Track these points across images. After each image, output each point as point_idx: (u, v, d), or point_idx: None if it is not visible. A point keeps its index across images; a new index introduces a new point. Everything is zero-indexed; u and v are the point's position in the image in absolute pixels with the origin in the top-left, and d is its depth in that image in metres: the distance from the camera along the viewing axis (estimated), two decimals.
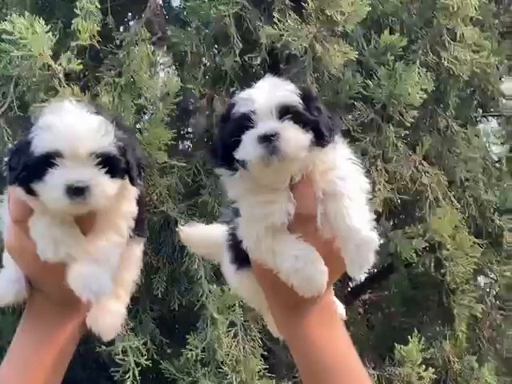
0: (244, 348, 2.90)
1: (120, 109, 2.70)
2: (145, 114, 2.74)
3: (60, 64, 2.58)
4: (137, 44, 2.92)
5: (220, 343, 2.84)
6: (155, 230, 2.99)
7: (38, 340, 1.48)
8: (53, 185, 1.30)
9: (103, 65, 3.00)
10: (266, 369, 2.96)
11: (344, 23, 2.70)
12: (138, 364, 2.78)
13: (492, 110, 3.97)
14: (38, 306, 1.49)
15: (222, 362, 2.87)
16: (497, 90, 3.63)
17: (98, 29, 2.75)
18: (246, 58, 3.19)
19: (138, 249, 1.58)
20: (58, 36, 2.78)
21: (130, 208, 1.45)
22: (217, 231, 1.67)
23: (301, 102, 1.37)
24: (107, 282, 1.38)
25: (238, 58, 3.05)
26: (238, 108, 1.38)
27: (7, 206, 1.46)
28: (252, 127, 1.35)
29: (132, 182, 1.39)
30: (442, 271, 3.34)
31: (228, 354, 2.86)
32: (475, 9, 3.20)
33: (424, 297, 3.77)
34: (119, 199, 1.40)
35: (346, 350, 1.49)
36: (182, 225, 1.81)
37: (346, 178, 1.40)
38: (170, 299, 2.98)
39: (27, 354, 1.48)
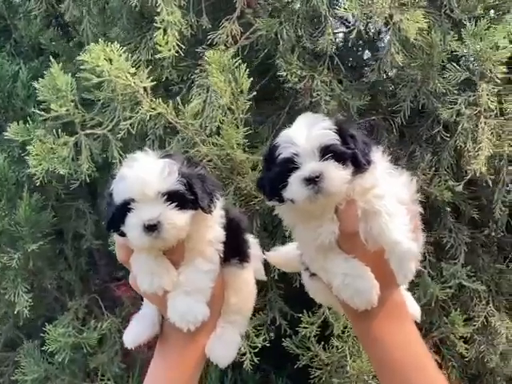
0: None
1: (208, 111, 2.85)
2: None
3: (141, 81, 2.76)
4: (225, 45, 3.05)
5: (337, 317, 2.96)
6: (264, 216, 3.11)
7: (166, 364, 1.64)
8: (132, 226, 1.49)
9: (198, 67, 3.13)
10: None
11: None
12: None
13: None
14: (165, 332, 1.66)
15: (338, 336, 3.00)
16: None
17: (176, 41, 2.87)
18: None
19: (244, 274, 1.70)
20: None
21: (215, 234, 1.60)
22: (294, 248, 1.77)
23: (338, 138, 1.44)
24: (201, 310, 1.55)
25: (331, 37, 3.03)
26: (281, 151, 1.46)
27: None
28: (296, 169, 1.44)
29: (203, 210, 1.53)
30: None
31: (346, 327, 2.99)
32: None
33: None
34: (201, 228, 1.56)
35: (415, 343, 1.56)
36: None
37: (382, 196, 1.47)
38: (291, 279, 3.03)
39: (158, 375, 1.65)
